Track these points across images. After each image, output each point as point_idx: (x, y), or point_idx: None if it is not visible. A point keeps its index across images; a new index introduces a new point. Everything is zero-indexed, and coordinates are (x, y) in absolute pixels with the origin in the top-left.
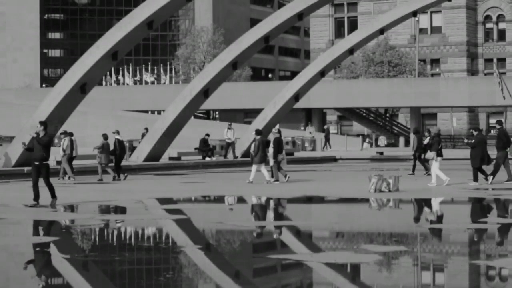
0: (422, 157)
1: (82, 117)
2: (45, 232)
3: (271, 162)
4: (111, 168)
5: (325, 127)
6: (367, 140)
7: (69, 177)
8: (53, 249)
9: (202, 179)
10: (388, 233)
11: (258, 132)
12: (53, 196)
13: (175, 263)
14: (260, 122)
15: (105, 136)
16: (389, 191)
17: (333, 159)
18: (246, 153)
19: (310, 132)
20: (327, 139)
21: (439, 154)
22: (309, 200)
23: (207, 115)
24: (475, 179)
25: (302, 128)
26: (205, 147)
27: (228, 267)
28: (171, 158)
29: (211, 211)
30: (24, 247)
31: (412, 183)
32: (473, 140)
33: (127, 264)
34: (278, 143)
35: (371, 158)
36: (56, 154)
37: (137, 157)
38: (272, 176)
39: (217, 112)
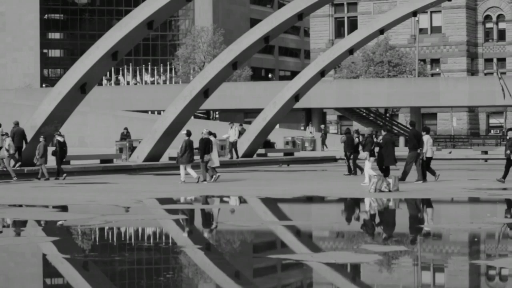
0: (351, 157)
1: (82, 117)
2: (46, 232)
3: (206, 160)
4: (46, 170)
5: (322, 126)
6: None
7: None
8: (53, 249)
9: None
10: (388, 233)
11: (188, 133)
12: None
13: (175, 263)
14: (260, 122)
15: (45, 138)
16: (389, 191)
17: (333, 159)
18: (245, 153)
19: (311, 132)
20: (323, 139)
21: (372, 154)
22: (309, 200)
23: (207, 115)
24: (386, 174)
25: (302, 128)
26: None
27: (228, 267)
28: (171, 158)
29: (211, 211)
30: (24, 247)
31: (412, 183)
32: (381, 141)
33: (127, 264)
34: (205, 144)
35: None
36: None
37: (137, 157)
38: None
39: (217, 112)
